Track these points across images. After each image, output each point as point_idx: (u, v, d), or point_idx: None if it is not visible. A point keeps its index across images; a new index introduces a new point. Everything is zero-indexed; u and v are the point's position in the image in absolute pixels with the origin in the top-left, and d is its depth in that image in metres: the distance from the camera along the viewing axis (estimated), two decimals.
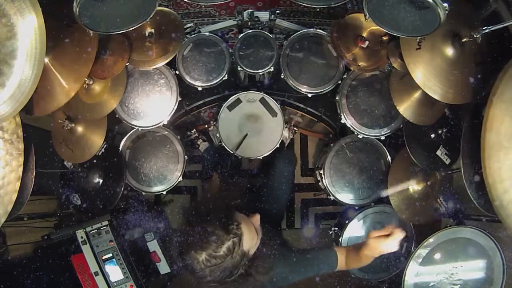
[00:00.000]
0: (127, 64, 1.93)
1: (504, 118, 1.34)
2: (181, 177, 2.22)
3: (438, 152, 1.89)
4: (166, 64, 1.99)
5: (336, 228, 2.29)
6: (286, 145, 2.58)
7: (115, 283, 2.04)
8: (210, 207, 1.29)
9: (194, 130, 2.51)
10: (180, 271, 1.28)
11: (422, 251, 1.72)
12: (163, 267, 2.25)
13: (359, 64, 1.97)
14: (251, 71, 2.08)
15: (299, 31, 2.13)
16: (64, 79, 1.59)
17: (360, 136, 2.13)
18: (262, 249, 1.39)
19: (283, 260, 1.48)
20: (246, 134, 2.16)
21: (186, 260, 1.19)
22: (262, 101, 2.18)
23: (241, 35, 2.11)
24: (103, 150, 2.08)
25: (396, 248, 1.46)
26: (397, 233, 1.45)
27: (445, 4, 1.28)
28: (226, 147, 2.17)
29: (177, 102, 2.10)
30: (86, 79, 1.79)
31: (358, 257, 1.52)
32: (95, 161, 2.09)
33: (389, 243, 1.45)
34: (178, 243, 1.23)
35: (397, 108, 1.87)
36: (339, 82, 2.10)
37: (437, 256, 1.74)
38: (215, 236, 1.17)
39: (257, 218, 1.35)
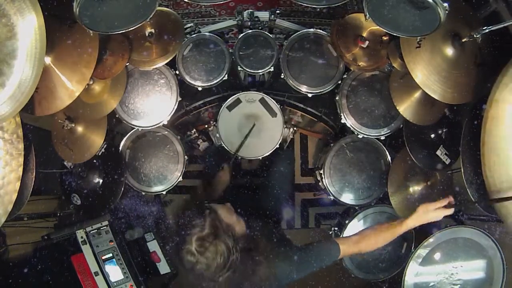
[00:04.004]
0: (127, 64, 1.94)
1: (504, 118, 1.34)
2: (181, 177, 2.22)
3: (438, 152, 1.89)
4: (166, 64, 1.99)
5: (336, 228, 2.29)
6: (286, 145, 2.58)
7: (115, 283, 2.03)
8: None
9: (194, 130, 2.51)
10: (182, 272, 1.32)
11: (422, 251, 1.72)
12: (163, 267, 2.24)
13: (359, 64, 1.97)
14: (251, 71, 2.08)
15: (299, 31, 2.13)
16: (67, 80, 1.59)
17: (360, 136, 2.12)
18: (262, 238, 1.46)
19: (286, 258, 1.48)
20: (248, 135, 2.13)
21: (183, 257, 1.26)
22: (262, 101, 2.18)
23: (241, 35, 2.11)
24: (103, 150, 2.08)
25: (440, 218, 1.47)
26: (448, 211, 1.47)
27: (445, 4, 1.28)
28: (226, 147, 2.17)
29: (177, 102, 2.10)
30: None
31: (393, 229, 1.49)
32: (95, 161, 2.09)
33: (439, 212, 1.46)
34: (175, 246, 1.29)
35: (397, 108, 1.87)
36: (339, 82, 2.10)
37: (437, 256, 1.74)
38: (197, 223, 1.30)
39: (228, 204, 1.47)
